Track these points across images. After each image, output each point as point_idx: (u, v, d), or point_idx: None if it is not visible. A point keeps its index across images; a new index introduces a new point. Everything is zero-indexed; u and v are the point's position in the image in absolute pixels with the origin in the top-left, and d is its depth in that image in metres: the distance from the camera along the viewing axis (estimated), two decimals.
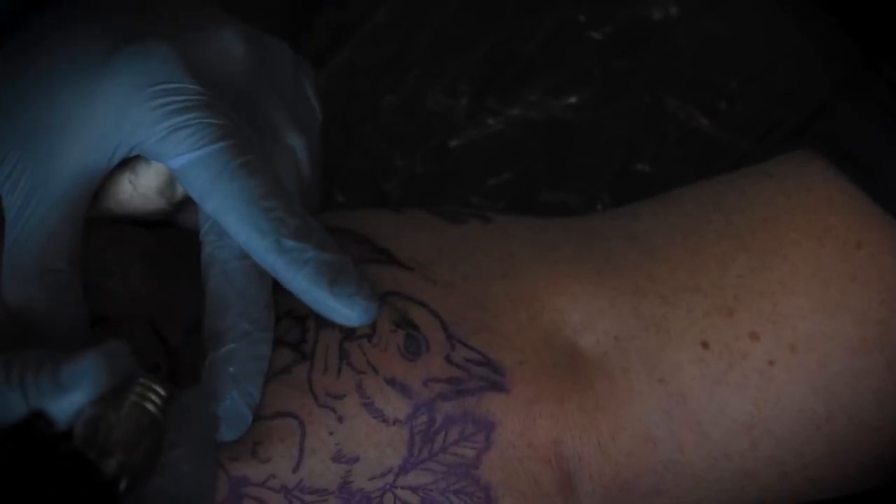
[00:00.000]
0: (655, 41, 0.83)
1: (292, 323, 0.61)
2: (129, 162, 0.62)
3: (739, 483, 0.63)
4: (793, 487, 0.63)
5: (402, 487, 0.61)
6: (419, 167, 0.81)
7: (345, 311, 0.59)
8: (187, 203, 0.63)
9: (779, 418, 0.62)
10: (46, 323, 0.59)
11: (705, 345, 0.62)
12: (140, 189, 0.62)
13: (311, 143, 0.65)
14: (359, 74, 0.83)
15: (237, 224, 0.59)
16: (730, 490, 0.63)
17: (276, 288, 0.61)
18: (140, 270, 0.63)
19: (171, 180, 0.62)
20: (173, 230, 0.65)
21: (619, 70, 0.83)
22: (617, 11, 0.84)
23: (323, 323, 0.61)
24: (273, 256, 0.59)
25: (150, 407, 0.55)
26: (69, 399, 0.54)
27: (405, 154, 0.82)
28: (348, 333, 0.61)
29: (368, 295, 0.59)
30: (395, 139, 0.82)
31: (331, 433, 0.60)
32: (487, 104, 0.83)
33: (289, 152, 0.63)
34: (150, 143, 0.60)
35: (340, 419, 0.60)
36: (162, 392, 0.55)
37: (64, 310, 0.60)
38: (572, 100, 0.83)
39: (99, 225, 0.63)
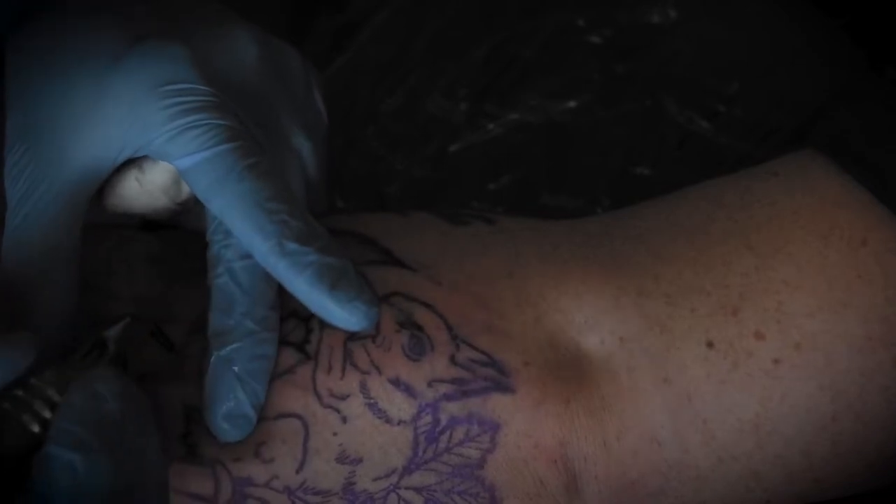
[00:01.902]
0: (655, 44, 0.83)
1: (296, 323, 0.61)
2: (136, 160, 0.62)
3: (745, 483, 0.63)
4: (799, 487, 0.63)
5: (407, 488, 0.61)
6: (419, 171, 0.81)
7: (345, 315, 0.59)
8: (192, 204, 0.63)
9: (785, 417, 0.61)
10: (37, 318, 0.59)
11: (710, 344, 0.62)
12: (146, 186, 0.62)
13: (317, 145, 0.65)
14: (358, 78, 0.83)
15: (241, 225, 0.59)
16: (735, 490, 0.63)
17: (281, 288, 0.61)
18: (145, 273, 0.63)
19: (177, 179, 0.62)
20: (179, 233, 0.65)
21: (618, 73, 0.83)
22: (616, 15, 0.84)
23: (327, 323, 0.61)
24: (275, 259, 0.59)
25: (27, 418, 0.54)
26: None
27: (405, 158, 0.82)
28: (352, 334, 0.61)
29: (369, 300, 0.59)
30: (394, 143, 0.82)
31: (335, 434, 0.60)
32: (487, 108, 0.83)
33: (296, 155, 0.64)
34: (159, 142, 0.60)
35: (344, 420, 0.60)
36: (49, 399, 0.54)
37: (59, 304, 0.59)
38: (572, 103, 0.82)
39: (105, 227, 0.63)
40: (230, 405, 0.59)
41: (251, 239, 0.59)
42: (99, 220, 0.63)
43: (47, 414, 0.54)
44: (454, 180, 0.81)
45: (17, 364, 0.55)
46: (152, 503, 0.56)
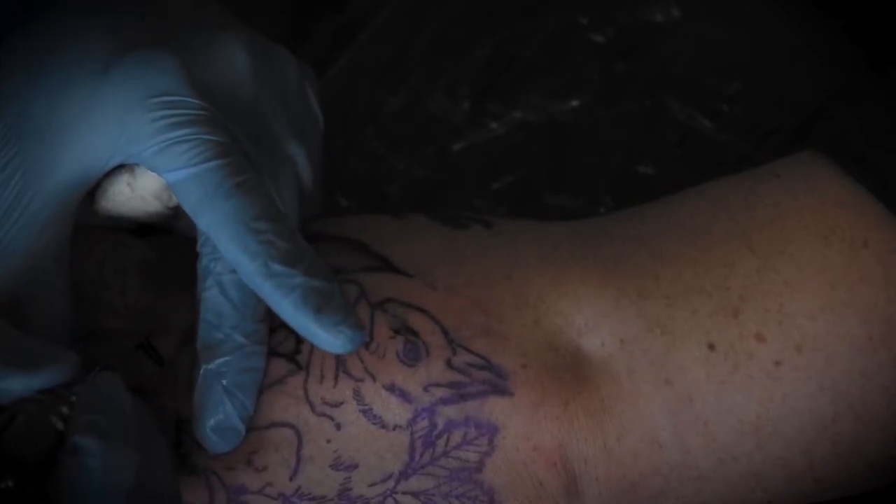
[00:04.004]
0: (655, 44, 0.83)
1: (287, 334, 0.61)
2: (128, 164, 0.61)
3: (746, 484, 0.62)
4: (799, 488, 0.63)
5: (404, 493, 0.61)
6: (421, 171, 0.81)
7: (330, 338, 0.59)
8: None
9: (786, 418, 0.61)
10: (29, 320, 0.59)
11: (711, 346, 0.62)
12: (138, 191, 0.62)
13: (311, 152, 0.64)
14: (359, 78, 0.83)
15: (228, 244, 0.59)
16: (736, 491, 0.63)
17: None
18: (137, 284, 0.63)
19: (168, 185, 0.62)
20: (172, 238, 0.65)
21: (620, 73, 0.83)
22: (618, 14, 0.83)
23: None
24: (261, 280, 0.59)
25: (54, 419, 0.55)
26: None
27: (407, 157, 0.81)
28: None
29: (354, 324, 0.59)
30: (396, 143, 0.82)
31: (328, 441, 0.60)
32: (489, 107, 0.82)
33: (289, 163, 0.63)
34: (147, 154, 0.60)
35: (338, 427, 0.60)
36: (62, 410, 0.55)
37: (49, 309, 0.59)
38: (574, 103, 0.82)
39: (99, 235, 0.63)
40: (219, 418, 0.59)
41: (237, 258, 0.59)
42: (93, 223, 0.63)
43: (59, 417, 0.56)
44: (455, 180, 0.81)
45: (57, 377, 0.56)
46: (170, 500, 0.57)
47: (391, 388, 0.61)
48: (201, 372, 0.60)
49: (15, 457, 0.53)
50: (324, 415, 0.60)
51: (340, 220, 0.66)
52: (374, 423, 0.60)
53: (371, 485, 0.60)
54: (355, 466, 0.60)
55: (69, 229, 0.60)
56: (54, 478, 0.53)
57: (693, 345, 0.62)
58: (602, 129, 0.82)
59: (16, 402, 0.54)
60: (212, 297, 0.60)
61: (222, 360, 0.60)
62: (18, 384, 0.55)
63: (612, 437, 0.62)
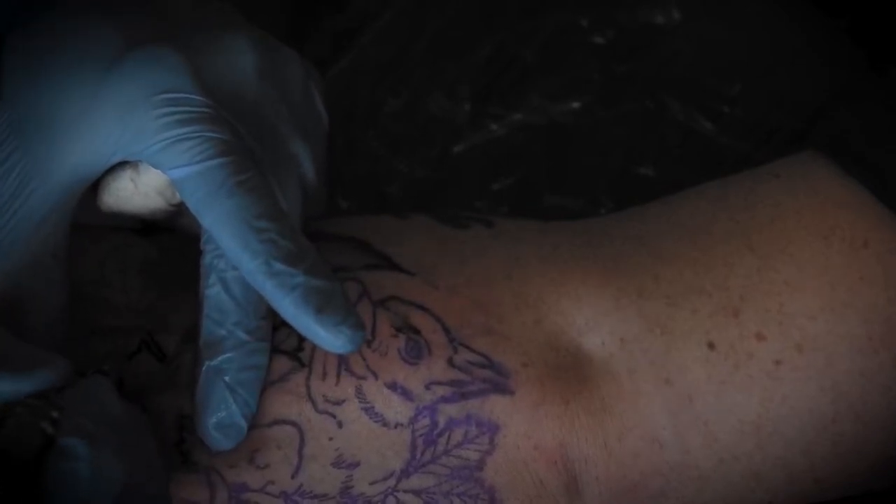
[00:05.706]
0: (655, 45, 0.83)
1: (289, 331, 0.61)
2: (131, 161, 0.61)
3: (746, 484, 0.62)
4: (800, 488, 0.63)
5: (405, 491, 0.61)
6: (420, 172, 0.81)
7: (330, 338, 0.59)
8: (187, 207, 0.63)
9: (786, 418, 0.61)
10: (26, 315, 0.59)
11: (711, 345, 0.62)
12: (141, 187, 0.62)
13: (316, 151, 0.64)
14: (360, 79, 0.83)
15: (230, 242, 0.59)
16: (737, 491, 0.63)
17: None
18: (139, 283, 0.63)
19: (171, 182, 0.62)
20: (174, 237, 0.65)
21: (620, 74, 0.83)
22: (619, 16, 0.83)
23: None
24: (262, 278, 0.59)
25: (45, 424, 0.55)
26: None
27: (406, 158, 0.81)
28: None
29: (355, 324, 0.59)
30: (396, 144, 0.82)
31: (330, 439, 0.60)
32: (490, 109, 0.82)
33: (293, 162, 0.63)
34: (150, 151, 0.59)
35: (340, 424, 0.60)
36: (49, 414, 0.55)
37: (47, 305, 0.59)
38: (574, 104, 0.82)
39: (100, 234, 0.63)
40: (221, 415, 0.59)
41: (239, 256, 0.59)
42: (96, 222, 0.63)
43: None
44: (455, 181, 0.81)
45: (47, 382, 0.56)
46: (159, 502, 0.57)
47: (393, 386, 0.61)
48: (203, 368, 0.60)
49: (4, 460, 0.53)
50: (326, 412, 0.60)
51: (342, 220, 0.66)
52: (376, 421, 0.60)
53: (372, 483, 0.60)
54: (357, 464, 0.60)
55: (67, 226, 0.60)
56: (43, 481, 0.53)
57: (693, 344, 0.62)
58: (602, 130, 0.82)
59: (6, 406, 0.55)
60: (214, 294, 0.60)
61: (225, 356, 0.60)
62: (8, 388, 0.55)
63: (612, 437, 0.62)
